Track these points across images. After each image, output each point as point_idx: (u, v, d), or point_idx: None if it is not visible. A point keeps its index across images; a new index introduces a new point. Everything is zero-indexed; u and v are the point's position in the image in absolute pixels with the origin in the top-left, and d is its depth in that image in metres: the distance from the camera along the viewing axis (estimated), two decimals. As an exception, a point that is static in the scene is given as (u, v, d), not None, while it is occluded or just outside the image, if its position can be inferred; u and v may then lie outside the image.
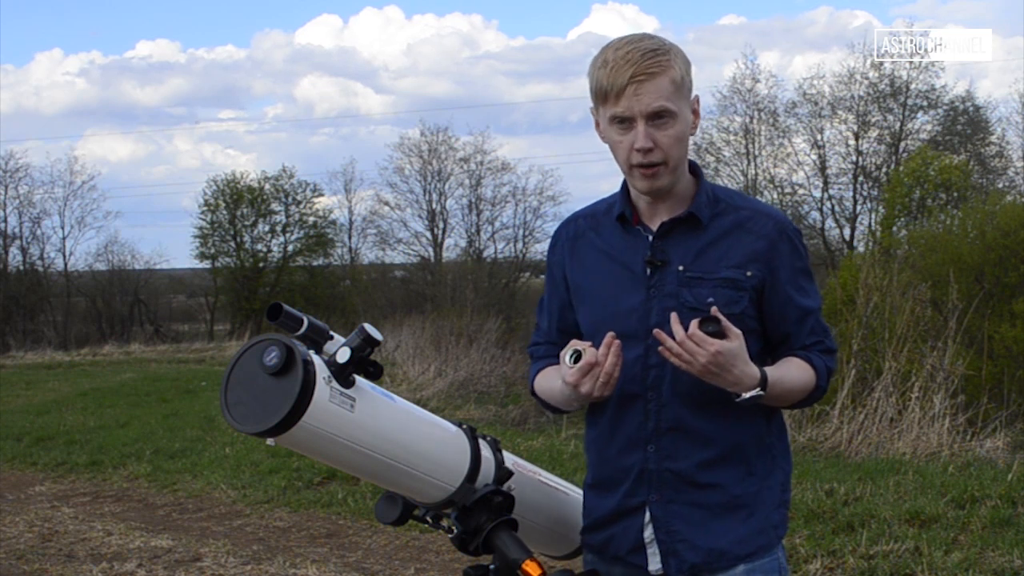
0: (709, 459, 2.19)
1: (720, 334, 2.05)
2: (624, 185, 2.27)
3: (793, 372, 2.20)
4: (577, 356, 2.10)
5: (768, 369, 2.15)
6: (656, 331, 2.09)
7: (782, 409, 2.32)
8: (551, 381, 2.28)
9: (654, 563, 2.22)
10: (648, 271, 2.20)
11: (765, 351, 2.25)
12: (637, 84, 2.09)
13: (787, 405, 2.26)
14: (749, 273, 2.17)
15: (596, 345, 2.14)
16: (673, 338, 2.07)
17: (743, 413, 2.17)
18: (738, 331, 2.07)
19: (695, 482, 2.19)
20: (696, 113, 2.21)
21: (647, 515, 2.22)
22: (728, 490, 2.20)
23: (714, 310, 2.07)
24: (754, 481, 2.23)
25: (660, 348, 2.09)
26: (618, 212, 2.26)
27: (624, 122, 2.13)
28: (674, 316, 2.07)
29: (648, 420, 2.19)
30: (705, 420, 2.17)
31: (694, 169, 2.26)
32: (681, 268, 2.18)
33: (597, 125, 2.23)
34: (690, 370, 2.07)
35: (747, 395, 2.09)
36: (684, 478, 2.19)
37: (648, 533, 2.22)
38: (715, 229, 2.21)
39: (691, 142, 2.26)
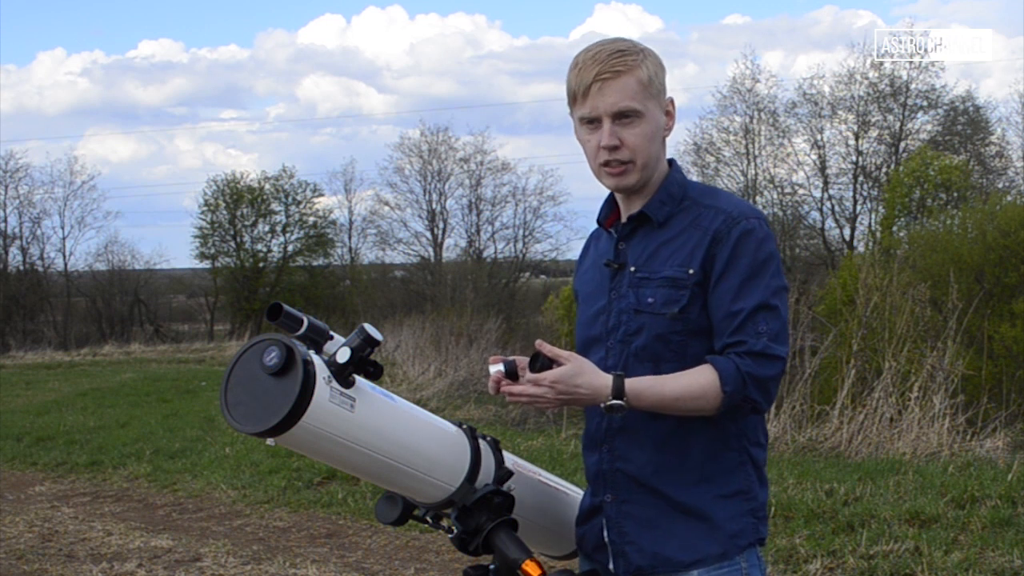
0: (660, 463, 2.17)
1: (549, 363, 2.05)
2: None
3: (683, 378, 2.09)
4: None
5: (638, 378, 2.08)
6: (504, 388, 2.11)
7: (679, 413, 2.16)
8: None
9: (612, 562, 2.24)
10: (611, 273, 2.23)
11: None
12: (602, 83, 2.12)
13: (697, 414, 2.11)
14: (691, 271, 2.14)
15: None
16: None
17: (697, 419, 2.13)
18: (569, 353, 2.06)
19: (645, 484, 2.18)
20: (670, 115, 2.22)
21: (604, 516, 2.24)
22: (678, 495, 2.17)
23: (538, 343, 2.07)
24: (709, 488, 2.17)
25: (508, 398, 2.11)
26: (598, 217, 2.32)
27: (592, 122, 2.16)
28: (524, 361, 2.10)
29: (604, 420, 2.22)
30: (656, 423, 2.15)
31: (670, 167, 2.27)
32: (633, 269, 2.20)
33: (575, 129, 2.26)
34: (549, 407, 2.09)
35: (603, 405, 2.07)
36: (635, 480, 2.19)
37: (606, 534, 2.24)
38: (673, 228, 2.20)
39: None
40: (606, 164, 2.16)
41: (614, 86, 2.11)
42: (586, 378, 2.05)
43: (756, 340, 2.09)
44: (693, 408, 2.10)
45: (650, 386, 2.08)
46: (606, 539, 2.23)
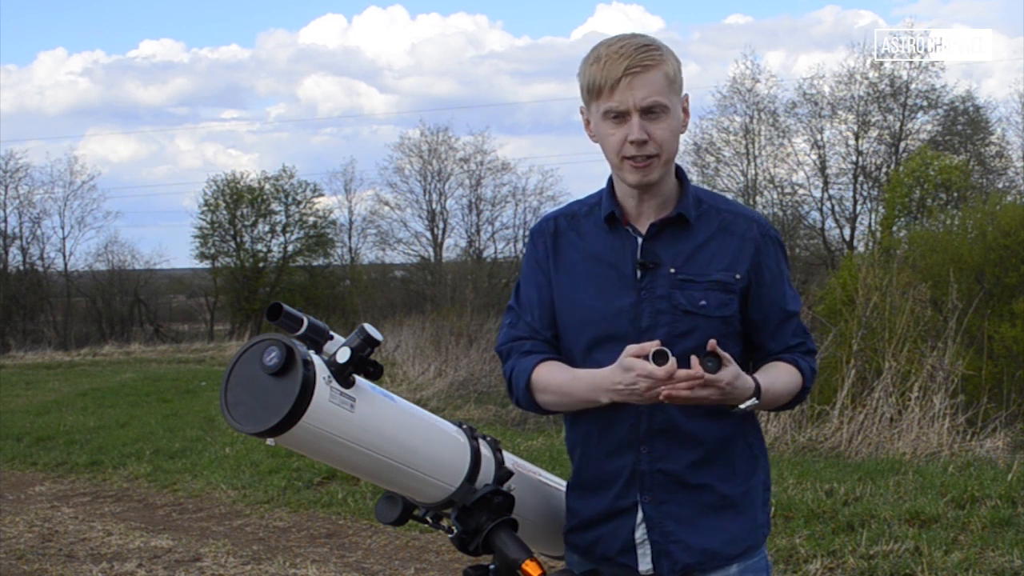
0: (698, 459, 2.20)
1: (718, 365, 2.06)
2: (609, 185, 2.27)
3: (782, 377, 2.23)
4: (663, 356, 2.03)
5: (758, 376, 2.17)
6: (665, 395, 2.03)
7: (769, 411, 2.38)
8: (565, 373, 2.21)
9: (644, 564, 2.22)
10: (638, 273, 2.20)
11: (746, 352, 2.26)
12: (632, 76, 2.11)
13: (775, 408, 2.32)
14: (738, 276, 2.20)
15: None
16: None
17: (726, 413, 2.19)
18: (727, 355, 2.07)
19: (686, 483, 2.20)
20: (686, 112, 2.23)
21: (639, 516, 2.22)
22: (717, 490, 2.22)
23: (711, 344, 2.05)
24: (740, 481, 2.25)
25: (664, 397, 2.04)
26: (606, 212, 2.24)
27: (618, 116, 2.14)
28: (694, 360, 2.03)
29: (641, 422, 2.19)
30: (694, 421, 2.19)
31: (678, 171, 2.27)
32: (673, 271, 2.19)
33: (587, 124, 2.24)
34: (704, 404, 2.07)
35: (744, 405, 2.12)
36: (676, 479, 2.20)
37: (640, 534, 2.22)
38: (702, 231, 2.22)
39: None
40: (631, 158, 2.14)
41: (644, 80, 2.11)
42: (743, 379, 2.10)
43: (809, 339, 2.32)
44: (780, 404, 2.27)
45: (769, 384, 2.18)
46: (639, 539, 2.22)
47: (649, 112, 2.12)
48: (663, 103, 2.13)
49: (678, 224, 2.22)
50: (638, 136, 2.12)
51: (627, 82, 2.11)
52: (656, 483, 2.21)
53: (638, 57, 2.11)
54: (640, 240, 2.22)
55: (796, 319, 2.29)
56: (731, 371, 2.06)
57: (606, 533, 2.26)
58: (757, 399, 2.12)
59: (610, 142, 2.16)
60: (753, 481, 2.27)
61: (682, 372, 2.02)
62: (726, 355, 2.06)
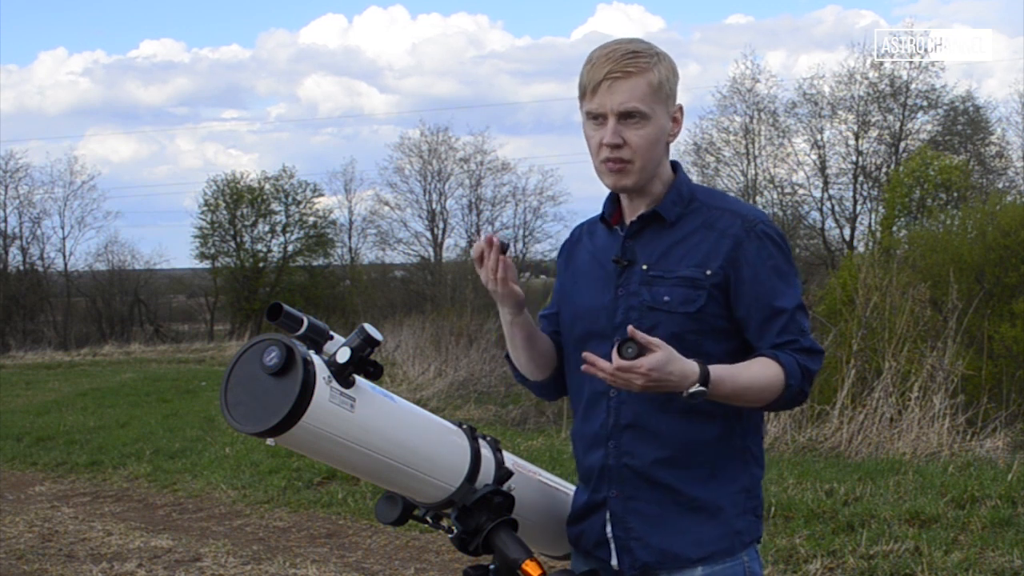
0: (667, 458, 2.18)
1: (642, 351, 2.01)
2: None
3: (753, 369, 2.12)
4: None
5: (716, 366, 2.08)
6: (586, 355, 2.06)
7: (761, 411, 2.25)
8: None
9: (615, 558, 2.24)
10: (618, 270, 2.24)
11: (742, 350, 2.20)
12: (612, 81, 2.14)
13: (756, 405, 2.17)
14: (708, 271, 2.17)
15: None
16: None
17: (707, 414, 2.16)
18: (657, 340, 2.01)
19: (653, 480, 2.19)
20: (676, 121, 2.23)
21: (608, 511, 2.24)
22: (687, 491, 2.19)
23: (630, 329, 2.02)
24: (718, 484, 2.20)
25: (585, 368, 2.06)
26: (600, 213, 2.32)
27: (597, 118, 2.18)
28: (614, 351, 2.02)
29: (610, 417, 2.22)
30: (666, 419, 2.17)
31: (675, 169, 2.29)
32: (645, 267, 2.21)
33: (583, 124, 2.27)
34: (633, 391, 2.05)
35: (689, 391, 2.03)
36: (642, 476, 2.20)
37: (609, 529, 2.24)
38: (683, 228, 2.22)
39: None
40: (606, 161, 2.18)
41: (624, 86, 2.13)
42: (677, 365, 2.02)
43: (804, 337, 2.18)
44: (756, 399, 2.14)
45: (730, 374, 2.09)
46: (609, 535, 2.24)
47: (627, 117, 2.14)
48: (641, 110, 2.14)
49: (656, 221, 2.23)
50: (611, 140, 2.15)
51: (607, 86, 2.14)
52: (624, 478, 2.22)
53: (622, 63, 2.13)
54: (623, 237, 2.26)
55: (787, 316, 2.16)
56: (656, 357, 1.99)
57: (586, 527, 2.29)
58: (704, 386, 2.03)
59: (591, 143, 2.21)
60: (735, 486, 2.22)
61: None
62: (655, 341, 2.00)
